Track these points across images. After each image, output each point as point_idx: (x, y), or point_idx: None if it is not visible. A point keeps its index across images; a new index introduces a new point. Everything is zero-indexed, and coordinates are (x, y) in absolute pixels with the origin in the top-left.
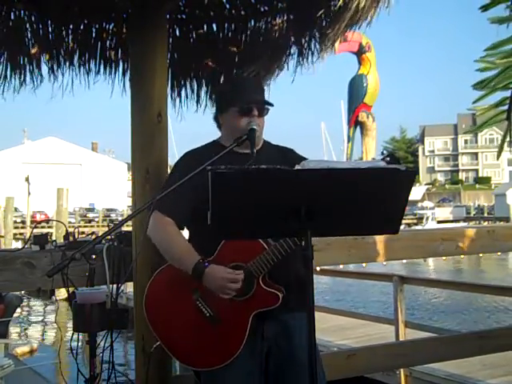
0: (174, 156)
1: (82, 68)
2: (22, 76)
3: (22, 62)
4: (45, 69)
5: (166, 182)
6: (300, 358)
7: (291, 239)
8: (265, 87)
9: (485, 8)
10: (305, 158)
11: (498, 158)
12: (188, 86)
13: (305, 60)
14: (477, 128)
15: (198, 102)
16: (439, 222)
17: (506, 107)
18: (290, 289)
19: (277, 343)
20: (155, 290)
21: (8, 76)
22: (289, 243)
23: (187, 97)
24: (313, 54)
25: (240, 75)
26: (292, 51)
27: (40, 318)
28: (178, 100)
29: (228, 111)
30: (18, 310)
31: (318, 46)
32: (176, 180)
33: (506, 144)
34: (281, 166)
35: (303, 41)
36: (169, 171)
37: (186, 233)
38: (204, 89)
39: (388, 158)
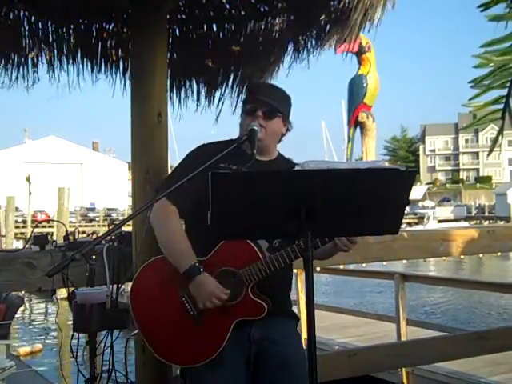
0: (174, 156)
1: (82, 68)
2: (20, 74)
3: (19, 61)
4: (45, 69)
5: (176, 169)
6: (293, 362)
7: (287, 254)
8: (286, 97)
9: (484, 7)
10: None
11: (488, 155)
12: (188, 86)
13: (300, 55)
14: (471, 124)
15: (197, 101)
16: (440, 221)
17: (501, 106)
18: (278, 295)
19: (264, 347)
20: (143, 279)
21: (16, 76)
22: (284, 258)
23: (187, 97)
24: (308, 51)
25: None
26: (288, 47)
27: (41, 318)
28: (177, 100)
29: (242, 111)
30: (19, 310)
31: (314, 44)
32: (185, 171)
33: (498, 143)
34: None
35: (300, 38)
36: (169, 171)
37: None
38: (204, 89)
39: None
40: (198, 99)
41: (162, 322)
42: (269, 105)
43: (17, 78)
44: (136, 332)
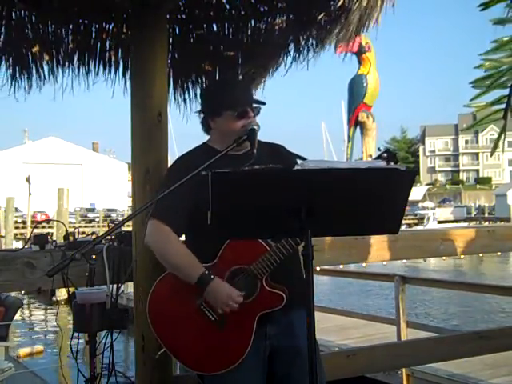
0: (174, 156)
1: (82, 68)
2: (27, 77)
3: (19, 61)
4: (45, 69)
5: (161, 188)
6: (305, 355)
7: (293, 239)
8: (257, 85)
9: (484, 6)
10: (295, 154)
11: (491, 155)
12: (190, 87)
13: (301, 56)
14: (473, 125)
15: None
16: (440, 222)
17: (503, 106)
18: (292, 289)
19: (279, 342)
20: (158, 297)
21: (16, 77)
22: (290, 243)
23: (190, 98)
24: (309, 50)
25: (227, 77)
26: (289, 48)
27: (41, 319)
28: (181, 101)
29: (222, 115)
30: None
31: (314, 44)
32: (170, 186)
33: (501, 143)
34: (272, 162)
35: (301, 38)
36: None
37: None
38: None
39: (385, 155)
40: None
41: (187, 336)
42: (255, 102)
43: (16, 78)
44: (163, 351)
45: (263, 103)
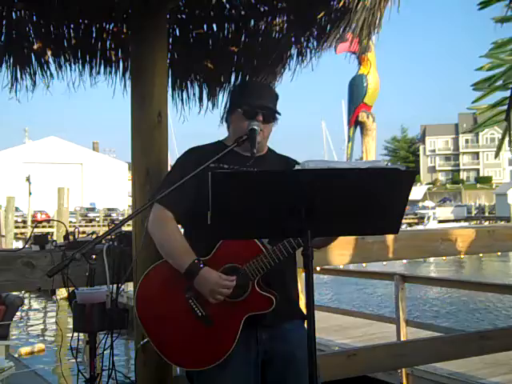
0: (174, 156)
1: (82, 68)
2: (28, 77)
3: (20, 61)
4: (46, 69)
5: (168, 176)
6: (300, 361)
7: (289, 244)
8: (276, 95)
9: (484, 5)
10: None
11: (495, 157)
12: (189, 87)
13: (304, 59)
14: (476, 128)
15: (200, 102)
16: (440, 221)
17: (505, 107)
18: (284, 295)
19: (271, 347)
20: (147, 286)
21: (17, 77)
22: (287, 248)
23: (189, 97)
24: (311, 52)
25: (253, 80)
26: (292, 52)
27: (41, 318)
28: (179, 101)
29: (234, 112)
30: (19, 311)
31: (315, 44)
32: (178, 175)
33: (505, 144)
34: None
35: (302, 40)
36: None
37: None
38: (205, 90)
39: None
40: (201, 100)
41: (171, 328)
42: (269, 109)
43: (17, 78)
44: (146, 340)
45: (278, 113)
